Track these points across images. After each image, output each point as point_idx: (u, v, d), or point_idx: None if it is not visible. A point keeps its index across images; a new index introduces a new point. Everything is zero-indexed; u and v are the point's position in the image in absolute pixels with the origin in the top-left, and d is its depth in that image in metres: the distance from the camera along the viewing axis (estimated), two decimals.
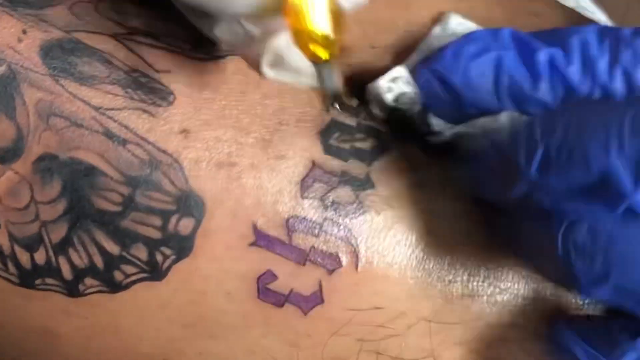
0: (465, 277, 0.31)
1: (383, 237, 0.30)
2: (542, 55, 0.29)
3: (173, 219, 0.28)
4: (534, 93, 0.29)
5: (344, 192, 0.30)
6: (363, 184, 0.30)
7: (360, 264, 0.30)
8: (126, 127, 0.28)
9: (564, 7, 0.36)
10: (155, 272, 0.29)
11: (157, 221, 0.28)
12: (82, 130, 0.28)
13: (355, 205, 0.30)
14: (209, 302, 0.29)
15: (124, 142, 0.28)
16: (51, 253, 0.28)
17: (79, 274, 0.28)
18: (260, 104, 0.30)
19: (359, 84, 0.32)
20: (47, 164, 0.27)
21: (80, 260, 0.28)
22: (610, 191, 0.25)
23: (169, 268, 0.29)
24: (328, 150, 0.30)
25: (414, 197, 0.31)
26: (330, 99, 0.27)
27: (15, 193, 0.28)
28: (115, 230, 0.28)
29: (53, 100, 0.28)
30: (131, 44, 0.29)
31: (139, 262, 0.28)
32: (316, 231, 0.30)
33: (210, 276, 0.29)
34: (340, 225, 0.30)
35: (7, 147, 0.27)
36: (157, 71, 0.29)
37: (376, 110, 0.32)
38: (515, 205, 0.28)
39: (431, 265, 0.31)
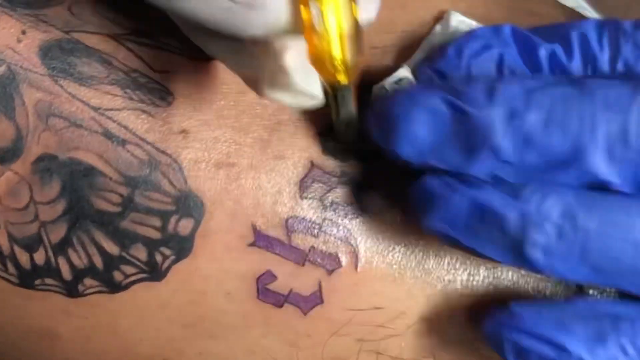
0: (464, 277, 0.31)
1: (382, 237, 0.30)
2: (543, 51, 0.29)
3: (172, 220, 0.28)
4: None
5: (343, 193, 0.30)
6: (362, 184, 0.30)
7: (359, 264, 0.30)
8: (125, 127, 0.28)
9: (564, 7, 0.36)
10: (154, 272, 0.29)
11: (157, 222, 0.28)
12: (82, 130, 0.28)
13: (354, 205, 0.30)
14: (209, 303, 0.29)
15: (123, 143, 0.28)
16: (50, 253, 0.28)
17: (79, 275, 0.28)
18: (259, 104, 0.30)
19: (359, 84, 0.32)
20: (46, 165, 0.27)
21: (79, 261, 0.28)
22: (583, 168, 0.26)
23: (168, 268, 0.29)
24: (327, 150, 0.30)
25: None
26: (345, 124, 0.27)
27: (14, 193, 0.28)
28: (114, 231, 0.28)
29: (52, 100, 0.28)
30: (130, 45, 0.29)
31: (138, 263, 0.28)
32: (315, 231, 0.30)
33: (210, 276, 0.29)
34: (339, 226, 0.30)
35: (7, 147, 0.27)
36: (156, 71, 0.29)
37: None
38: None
39: (431, 265, 0.31)
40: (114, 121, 0.28)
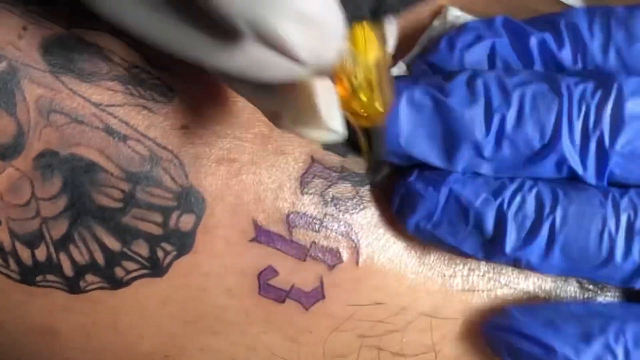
0: (465, 272, 0.31)
1: (383, 232, 0.30)
2: (534, 40, 0.29)
3: (174, 215, 0.28)
4: None
5: (344, 188, 0.30)
6: (363, 179, 0.30)
7: (360, 259, 0.30)
8: (126, 123, 0.28)
9: (564, 4, 0.36)
10: (156, 268, 0.29)
11: (158, 217, 0.28)
12: (83, 126, 0.28)
13: (355, 200, 0.30)
14: (210, 299, 0.29)
15: (124, 139, 0.28)
16: (52, 249, 0.28)
17: (80, 271, 0.28)
18: None
19: None
20: (47, 161, 0.27)
21: (81, 257, 0.28)
22: (556, 158, 0.27)
23: (170, 264, 0.29)
24: (327, 145, 0.30)
25: None
26: (375, 163, 0.28)
27: (16, 189, 0.28)
28: (116, 227, 0.28)
29: (53, 96, 0.28)
30: (131, 41, 0.29)
31: (140, 259, 0.28)
32: (316, 227, 0.30)
33: (211, 272, 0.29)
34: (340, 221, 0.30)
35: (8, 143, 0.27)
36: (157, 67, 0.29)
37: None
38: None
39: (431, 260, 0.31)
40: (115, 117, 0.28)
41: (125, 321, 0.30)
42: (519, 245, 0.28)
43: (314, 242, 0.30)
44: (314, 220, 0.30)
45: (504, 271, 0.32)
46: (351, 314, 0.30)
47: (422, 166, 0.29)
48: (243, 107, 0.29)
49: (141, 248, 0.28)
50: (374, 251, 0.30)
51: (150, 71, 0.29)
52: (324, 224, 0.30)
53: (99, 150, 0.28)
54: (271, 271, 0.29)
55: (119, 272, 0.29)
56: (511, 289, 0.31)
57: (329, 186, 0.30)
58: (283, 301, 0.30)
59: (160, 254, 0.28)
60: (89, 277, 0.29)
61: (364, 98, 0.25)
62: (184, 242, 0.29)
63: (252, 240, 0.29)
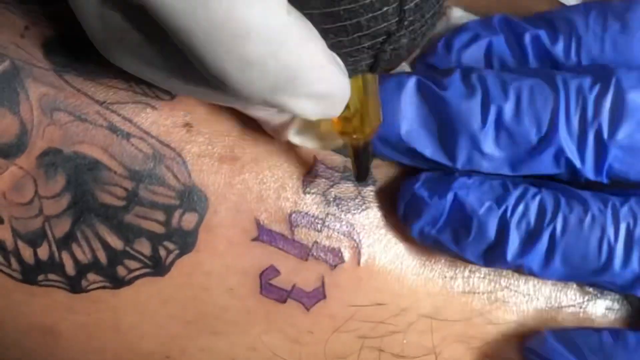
0: (466, 274, 0.31)
1: (385, 233, 0.30)
2: (528, 36, 0.30)
3: (176, 214, 0.28)
4: None
5: (346, 188, 0.30)
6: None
7: (362, 260, 0.30)
8: (130, 121, 0.28)
9: (564, 5, 0.36)
10: (158, 267, 0.29)
11: (161, 216, 0.28)
12: (86, 124, 0.28)
13: (357, 200, 0.30)
14: (212, 298, 0.29)
15: (127, 136, 0.28)
16: (54, 248, 0.28)
17: (82, 270, 0.28)
18: None
19: None
20: (51, 159, 0.27)
21: (83, 256, 0.28)
22: (553, 151, 0.28)
23: (172, 263, 0.29)
24: None
25: None
26: (364, 171, 0.29)
27: (19, 188, 0.28)
28: (118, 225, 0.28)
29: (57, 94, 0.28)
30: None
31: (142, 257, 0.28)
32: (319, 226, 0.30)
33: (213, 272, 0.29)
34: (342, 221, 0.30)
35: (11, 142, 0.27)
36: None
37: None
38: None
39: (433, 262, 0.31)
40: (119, 115, 0.28)
41: (126, 321, 0.30)
42: (520, 254, 0.28)
43: (316, 242, 0.30)
44: (316, 220, 0.30)
45: (504, 274, 0.32)
46: (352, 315, 0.30)
47: (426, 168, 0.29)
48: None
49: (143, 247, 0.28)
50: (376, 252, 0.30)
51: None
52: (326, 223, 0.30)
53: (103, 148, 0.28)
54: (273, 271, 0.29)
55: (121, 271, 0.29)
56: (512, 291, 0.31)
57: (332, 186, 0.30)
58: (284, 301, 0.30)
59: (162, 252, 0.28)
60: (91, 276, 0.29)
61: (355, 124, 0.27)
62: (186, 241, 0.28)
63: (254, 239, 0.29)
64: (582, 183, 0.29)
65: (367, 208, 0.30)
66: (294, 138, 0.28)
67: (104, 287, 0.29)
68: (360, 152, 0.28)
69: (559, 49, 0.29)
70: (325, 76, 0.23)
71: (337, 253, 0.30)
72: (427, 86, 0.28)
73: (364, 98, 0.27)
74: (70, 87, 0.28)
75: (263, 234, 0.29)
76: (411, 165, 0.30)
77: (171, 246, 0.28)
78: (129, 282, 0.29)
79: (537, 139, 0.27)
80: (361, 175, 0.29)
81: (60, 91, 0.28)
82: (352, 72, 0.26)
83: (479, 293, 0.31)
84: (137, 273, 0.29)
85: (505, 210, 0.28)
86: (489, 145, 0.28)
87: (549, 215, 0.28)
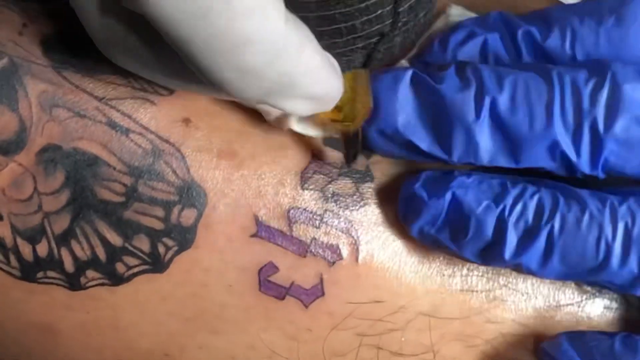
0: (464, 272, 0.31)
1: (383, 230, 0.30)
2: (521, 32, 0.30)
3: (175, 210, 0.28)
4: None
5: (344, 184, 0.30)
6: (363, 176, 0.30)
7: (360, 257, 0.30)
8: (129, 116, 0.28)
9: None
10: (157, 263, 0.29)
11: (160, 212, 0.28)
12: (85, 120, 0.28)
13: (355, 197, 0.30)
14: (210, 295, 0.29)
15: (126, 132, 0.28)
16: (53, 245, 0.28)
17: (81, 266, 0.28)
18: None
19: None
20: (50, 155, 0.27)
21: (82, 252, 0.28)
22: (548, 143, 0.28)
23: (171, 260, 0.29)
24: (327, 141, 0.30)
25: None
26: (352, 156, 0.29)
27: (18, 184, 0.28)
28: (118, 221, 0.28)
29: (55, 91, 0.28)
30: None
31: (141, 254, 0.28)
32: (317, 222, 0.30)
33: (212, 268, 0.29)
34: (340, 217, 0.30)
35: (10, 139, 0.27)
36: None
37: None
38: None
39: (431, 259, 0.31)
40: (118, 110, 0.28)
41: (125, 319, 0.30)
42: (518, 252, 0.28)
43: (314, 238, 0.30)
44: (315, 216, 0.30)
45: (502, 272, 0.32)
46: (350, 312, 0.30)
47: (423, 162, 0.30)
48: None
49: (142, 243, 0.28)
50: (374, 248, 0.30)
51: None
52: (324, 220, 0.30)
53: (102, 144, 0.28)
54: (271, 267, 0.29)
55: (120, 267, 0.29)
56: (510, 290, 0.31)
57: (329, 182, 0.30)
58: (283, 298, 0.30)
59: (161, 249, 0.28)
60: (90, 273, 0.29)
61: (346, 112, 0.27)
62: (185, 237, 0.29)
63: (253, 235, 0.29)
64: (580, 180, 0.29)
65: (365, 205, 0.30)
66: (296, 126, 0.28)
67: (102, 285, 0.29)
68: (351, 138, 0.28)
69: (551, 43, 0.30)
70: (319, 79, 0.24)
71: (335, 250, 0.30)
72: (423, 79, 0.28)
73: (355, 87, 0.27)
74: (69, 84, 0.28)
75: (262, 230, 0.29)
76: (409, 159, 0.30)
77: (170, 242, 0.28)
78: (128, 279, 0.29)
79: (532, 132, 0.27)
80: (349, 159, 0.29)
81: (59, 88, 0.28)
82: (345, 69, 0.27)
83: (477, 291, 0.31)
84: (136, 270, 0.29)
85: (503, 209, 0.28)
86: (483, 137, 0.28)
87: (547, 214, 0.28)
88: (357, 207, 0.30)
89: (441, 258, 0.31)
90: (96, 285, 0.29)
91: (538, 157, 0.28)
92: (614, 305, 0.32)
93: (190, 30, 0.20)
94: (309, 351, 0.31)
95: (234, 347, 0.30)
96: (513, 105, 0.27)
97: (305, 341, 0.30)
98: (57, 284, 0.29)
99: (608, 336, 0.30)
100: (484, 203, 0.28)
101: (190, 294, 0.29)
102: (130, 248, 0.28)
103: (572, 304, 0.32)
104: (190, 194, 0.28)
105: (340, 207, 0.30)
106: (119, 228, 0.28)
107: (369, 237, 0.30)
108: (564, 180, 0.29)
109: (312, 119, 0.28)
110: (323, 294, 0.30)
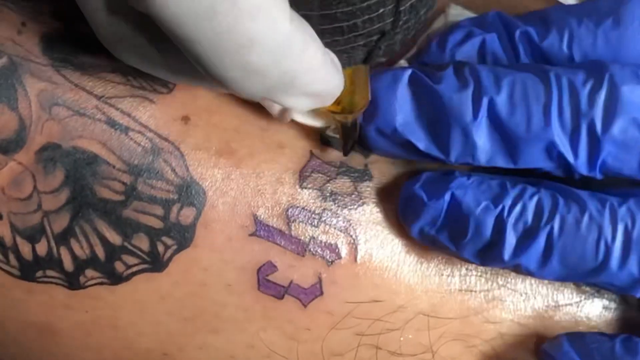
0: (463, 271, 0.31)
1: (382, 229, 0.31)
2: (519, 33, 0.30)
3: (174, 208, 0.28)
4: None
5: (343, 183, 0.30)
6: (361, 175, 0.30)
7: (359, 255, 0.30)
8: (128, 115, 0.28)
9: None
10: (156, 262, 0.29)
11: (159, 210, 0.28)
12: (85, 119, 0.28)
13: (354, 196, 0.30)
14: (209, 294, 0.29)
15: (126, 130, 0.28)
16: (53, 244, 0.28)
17: (80, 265, 0.28)
18: None
19: None
20: (50, 154, 0.27)
21: (81, 251, 0.28)
22: (545, 144, 0.28)
23: (170, 258, 0.29)
24: (326, 140, 0.30)
25: None
26: (349, 145, 0.29)
27: (18, 183, 0.28)
28: (117, 220, 0.28)
29: (55, 90, 0.28)
30: None
31: (140, 253, 0.28)
32: (315, 221, 0.30)
33: (211, 267, 0.29)
34: (339, 216, 0.30)
35: (10, 138, 0.27)
36: None
37: None
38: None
39: (429, 259, 0.31)
40: (117, 109, 0.28)
41: (124, 318, 0.30)
42: (517, 253, 0.28)
43: (312, 237, 0.30)
44: (313, 215, 0.30)
45: (501, 272, 0.32)
46: (349, 312, 0.30)
47: (421, 161, 0.30)
48: (242, 99, 0.30)
49: (142, 242, 0.28)
50: (372, 248, 0.30)
51: None
52: (323, 218, 0.30)
53: (101, 142, 0.28)
54: (270, 266, 0.29)
55: (119, 266, 0.29)
56: (509, 290, 0.31)
57: (328, 181, 0.30)
58: (282, 297, 0.30)
59: (160, 248, 0.28)
60: (89, 272, 0.29)
61: (344, 104, 0.28)
62: (184, 236, 0.29)
63: (252, 234, 0.29)
64: (579, 181, 0.29)
65: (363, 204, 0.30)
66: (299, 117, 0.29)
67: (102, 284, 0.29)
68: (348, 129, 0.28)
69: (549, 44, 0.30)
70: (321, 77, 0.24)
71: (333, 249, 0.30)
72: (421, 79, 0.28)
73: (354, 80, 0.28)
74: (68, 82, 0.28)
75: (260, 229, 0.29)
76: (407, 159, 0.30)
77: (169, 241, 0.28)
78: (127, 278, 0.29)
79: (530, 132, 0.28)
80: (346, 150, 0.29)
81: (58, 86, 0.28)
82: (345, 65, 0.27)
83: (475, 291, 0.31)
84: (135, 269, 0.29)
85: (502, 210, 0.28)
86: (481, 137, 0.28)
87: (546, 215, 0.28)
88: (355, 206, 0.30)
89: (440, 258, 0.31)
90: (95, 284, 0.29)
91: (535, 158, 0.28)
92: (613, 305, 0.32)
93: (196, 31, 0.21)
94: (308, 350, 0.31)
95: (233, 347, 0.30)
96: (511, 106, 0.27)
97: (304, 340, 0.30)
98: (57, 283, 0.29)
99: (609, 338, 0.30)
100: (483, 204, 0.28)
101: (189, 293, 0.29)
102: (130, 247, 0.28)
103: (570, 304, 0.32)
104: (189, 192, 0.28)
105: (339, 206, 0.30)
106: (118, 227, 0.28)
107: (368, 236, 0.30)
108: (564, 181, 0.29)
109: (312, 110, 0.28)
110: (322, 293, 0.30)
